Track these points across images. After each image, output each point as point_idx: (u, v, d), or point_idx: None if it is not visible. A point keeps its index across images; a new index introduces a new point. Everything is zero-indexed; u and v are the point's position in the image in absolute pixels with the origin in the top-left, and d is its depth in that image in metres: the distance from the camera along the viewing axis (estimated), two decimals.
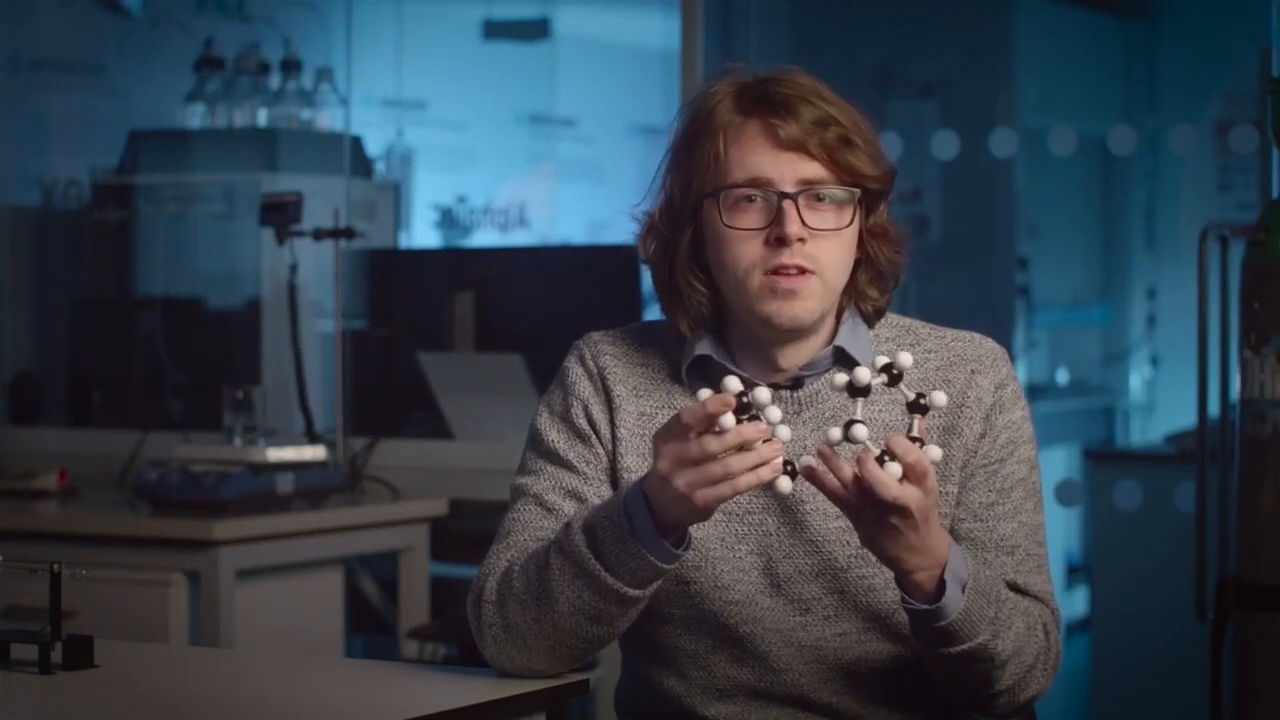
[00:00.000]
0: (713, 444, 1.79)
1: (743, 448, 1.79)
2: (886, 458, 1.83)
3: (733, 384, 1.79)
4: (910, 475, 1.83)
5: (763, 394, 1.80)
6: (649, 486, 1.85)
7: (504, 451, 3.08)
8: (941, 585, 1.90)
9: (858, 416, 1.83)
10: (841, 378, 1.85)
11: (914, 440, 1.84)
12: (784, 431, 1.81)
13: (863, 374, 1.84)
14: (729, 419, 1.79)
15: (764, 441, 1.79)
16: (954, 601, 1.90)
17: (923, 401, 1.85)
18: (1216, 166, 5.76)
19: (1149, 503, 4.94)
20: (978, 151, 5.11)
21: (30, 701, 1.95)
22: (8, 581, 3.28)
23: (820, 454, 1.84)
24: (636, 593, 1.90)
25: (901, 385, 1.86)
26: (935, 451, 1.86)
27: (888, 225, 2.05)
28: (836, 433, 1.83)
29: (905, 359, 1.85)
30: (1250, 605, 3.37)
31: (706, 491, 1.81)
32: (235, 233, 4.45)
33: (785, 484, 1.81)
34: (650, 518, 1.85)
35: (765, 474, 1.80)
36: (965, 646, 1.92)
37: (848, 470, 1.84)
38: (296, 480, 3.71)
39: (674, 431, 1.81)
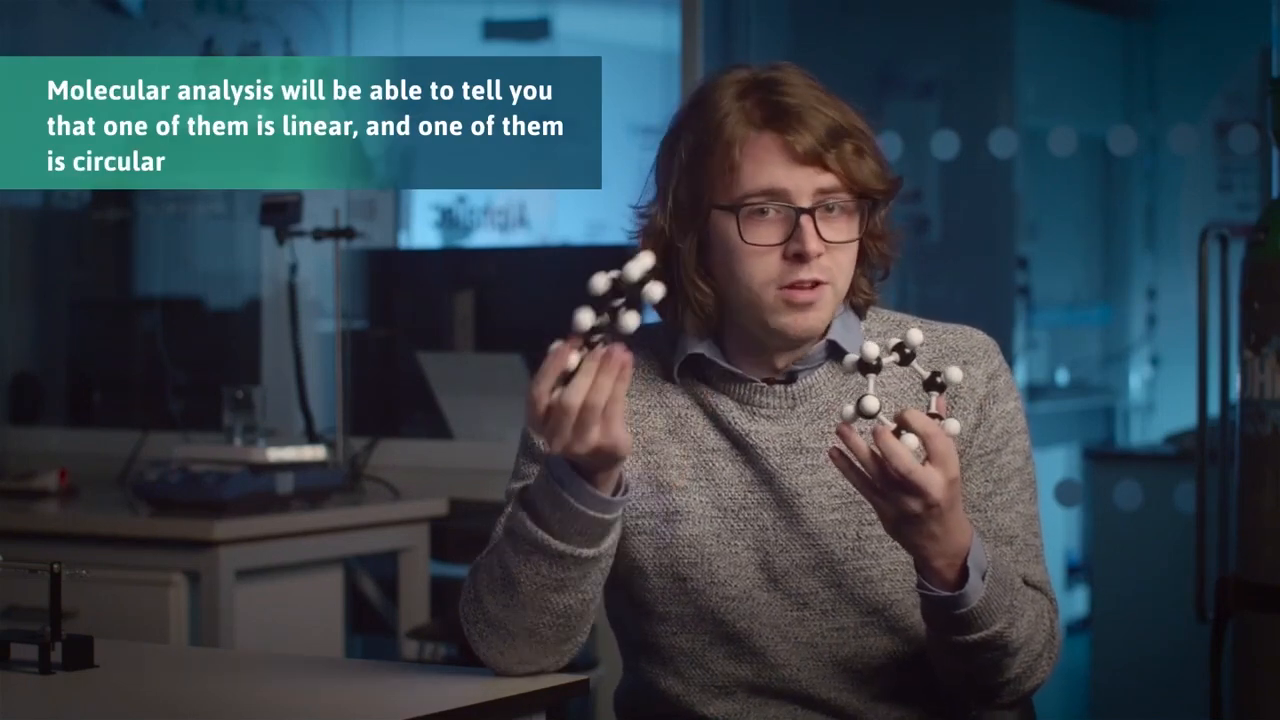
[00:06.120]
0: (575, 398, 1.81)
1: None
2: (903, 431, 1.82)
3: (584, 319, 1.80)
4: (931, 456, 1.82)
5: (632, 269, 1.79)
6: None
7: (504, 451, 3.06)
8: (963, 573, 1.90)
9: (870, 392, 1.82)
10: (852, 358, 1.85)
11: (933, 417, 1.83)
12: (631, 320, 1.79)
13: (871, 349, 1.83)
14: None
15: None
16: (975, 589, 1.90)
17: (939, 379, 1.84)
18: (1216, 166, 5.75)
19: (1149, 503, 4.95)
20: (978, 151, 5.12)
21: (30, 701, 1.95)
22: (8, 581, 3.29)
23: (839, 433, 1.84)
24: (590, 551, 1.91)
25: (915, 364, 1.85)
26: (953, 425, 1.84)
27: (886, 228, 2.06)
28: (850, 409, 1.82)
29: (916, 335, 1.85)
30: (1250, 605, 3.37)
31: (592, 434, 1.82)
32: (235, 233, 4.46)
33: (657, 291, 1.79)
34: (577, 475, 1.88)
35: (622, 386, 1.81)
36: (981, 634, 1.92)
37: (864, 446, 1.83)
38: (296, 480, 3.71)
39: (529, 414, 1.84)
